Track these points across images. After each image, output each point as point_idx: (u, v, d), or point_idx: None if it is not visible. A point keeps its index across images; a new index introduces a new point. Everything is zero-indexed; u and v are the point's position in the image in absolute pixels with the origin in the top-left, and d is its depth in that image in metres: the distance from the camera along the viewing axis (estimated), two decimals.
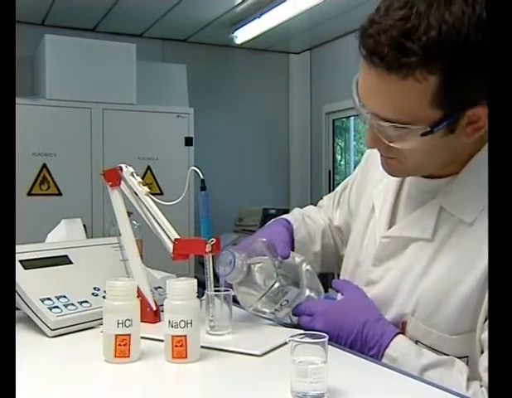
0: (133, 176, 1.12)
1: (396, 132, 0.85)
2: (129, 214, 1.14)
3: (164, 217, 1.09)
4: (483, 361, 0.85)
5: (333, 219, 1.31)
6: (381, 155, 0.96)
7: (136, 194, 1.11)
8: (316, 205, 1.41)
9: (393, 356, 0.91)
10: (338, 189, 1.33)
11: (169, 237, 1.07)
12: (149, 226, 1.10)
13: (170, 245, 1.06)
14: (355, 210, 1.20)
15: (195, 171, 1.07)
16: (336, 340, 0.95)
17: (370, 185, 1.14)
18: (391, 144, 0.88)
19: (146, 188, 1.11)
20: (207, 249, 1.02)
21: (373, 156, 1.13)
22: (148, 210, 1.10)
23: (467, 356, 0.88)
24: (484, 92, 0.79)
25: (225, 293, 1.03)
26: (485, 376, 0.84)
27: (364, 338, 0.94)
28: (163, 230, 1.08)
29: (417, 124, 0.83)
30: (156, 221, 1.09)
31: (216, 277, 1.03)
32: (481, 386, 0.85)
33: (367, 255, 1.07)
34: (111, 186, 1.13)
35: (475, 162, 0.93)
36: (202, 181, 1.07)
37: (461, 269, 0.89)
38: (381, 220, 1.05)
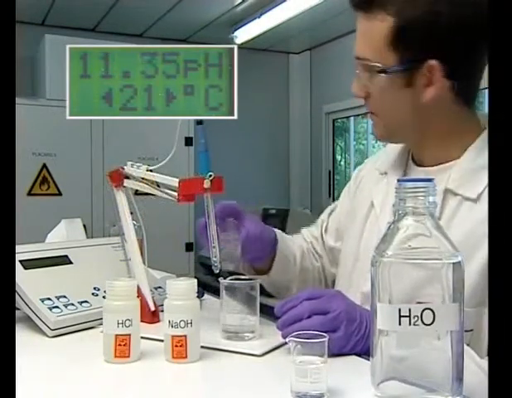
0: (133, 166, 1.11)
1: (366, 71, 0.98)
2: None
3: (168, 176, 1.06)
4: None
5: (326, 241, 1.29)
6: (369, 115, 1.06)
7: (141, 178, 1.09)
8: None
9: None
10: (322, 217, 1.33)
11: (173, 190, 1.04)
12: (163, 196, 1.06)
13: (176, 195, 1.03)
14: (345, 227, 1.21)
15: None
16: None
17: (364, 192, 1.16)
18: (369, 89, 1.00)
19: (144, 167, 1.10)
20: (205, 185, 0.99)
21: (362, 173, 1.23)
22: (156, 182, 1.07)
23: (472, 330, 0.89)
24: (439, 50, 0.93)
25: (251, 281, 0.99)
26: None
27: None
28: (170, 187, 1.05)
29: (378, 63, 0.96)
30: (163, 184, 1.06)
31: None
32: None
33: (368, 246, 1.07)
34: (115, 186, 1.13)
35: (473, 147, 0.98)
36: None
37: (469, 244, 0.89)
38: (384, 211, 1.06)
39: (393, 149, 1.14)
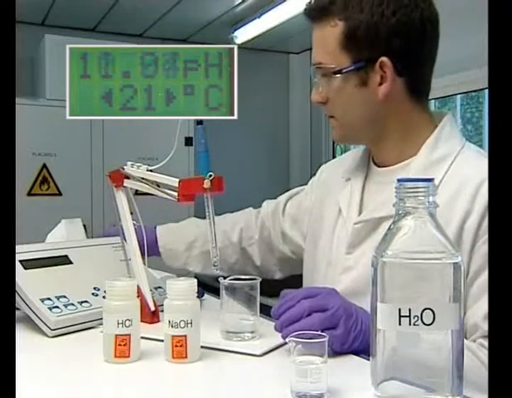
0: (133, 166, 1.11)
1: (324, 76, 1.05)
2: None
3: (169, 177, 1.06)
4: (479, 309, 0.90)
5: (281, 223, 1.35)
6: (328, 119, 1.11)
7: (141, 178, 1.09)
8: None
9: None
10: (280, 199, 1.39)
11: (173, 190, 1.04)
12: (163, 196, 1.06)
13: (174, 194, 1.03)
14: (309, 227, 1.25)
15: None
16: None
17: (330, 199, 1.19)
18: (327, 94, 1.06)
19: (145, 167, 1.10)
20: (205, 185, 0.99)
21: (324, 175, 1.31)
22: (156, 182, 1.08)
23: None
24: (387, 48, 1.00)
25: (251, 281, 0.98)
26: (484, 324, 0.89)
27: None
28: (170, 187, 1.05)
29: (333, 64, 1.03)
30: (163, 185, 1.07)
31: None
32: (475, 341, 0.90)
33: (339, 249, 1.11)
34: (116, 186, 1.13)
35: (428, 143, 1.04)
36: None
37: None
38: (350, 215, 1.10)
39: (356, 155, 1.19)
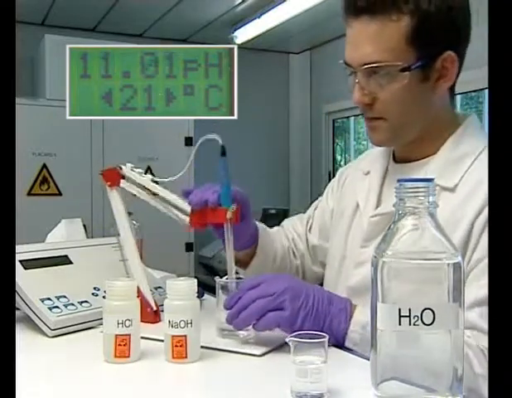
0: (133, 170, 1.12)
1: (381, 75, 0.97)
2: (129, 214, 1.14)
3: (173, 195, 1.08)
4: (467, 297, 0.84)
5: (309, 240, 1.31)
6: (366, 120, 1.04)
7: (142, 186, 1.10)
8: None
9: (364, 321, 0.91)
10: (309, 213, 1.34)
11: (181, 210, 1.06)
12: (162, 210, 1.09)
13: (184, 217, 1.06)
14: (330, 226, 1.24)
15: (215, 138, 1.02)
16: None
17: (349, 194, 1.18)
18: (377, 94, 0.99)
19: (149, 176, 1.11)
20: (228, 216, 1.00)
21: (345, 175, 1.26)
22: (158, 195, 1.09)
23: None
24: (452, 42, 0.98)
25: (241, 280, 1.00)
26: (470, 315, 0.87)
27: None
28: (176, 207, 1.08)
29: (398, 62, 0.96)
30: (168, 202, 1.08)
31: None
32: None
33: (354, 243, 1.10)
34: (110, 185, 1.12)
35: (450, 141, 1.03)
36: (222, 146, 1.03)
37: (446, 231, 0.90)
38: (367, 209, 1.10)
39: (375, 151, 1.18)
